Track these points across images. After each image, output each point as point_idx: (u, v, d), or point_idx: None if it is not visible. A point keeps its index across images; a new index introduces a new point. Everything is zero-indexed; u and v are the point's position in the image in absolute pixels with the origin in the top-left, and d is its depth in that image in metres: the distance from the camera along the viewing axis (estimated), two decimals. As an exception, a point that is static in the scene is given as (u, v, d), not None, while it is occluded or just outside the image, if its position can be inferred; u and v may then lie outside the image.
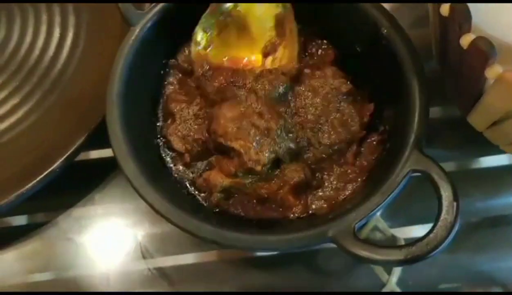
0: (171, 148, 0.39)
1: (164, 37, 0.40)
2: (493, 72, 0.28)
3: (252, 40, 0.41)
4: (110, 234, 0.43)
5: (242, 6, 0.40)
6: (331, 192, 0.37)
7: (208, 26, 0.40)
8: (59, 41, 0.48)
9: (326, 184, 0.38)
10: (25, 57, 0.47)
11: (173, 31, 0.40)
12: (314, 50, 0.42)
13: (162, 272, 0.41)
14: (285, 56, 0.40)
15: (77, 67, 0.46)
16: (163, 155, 0.39)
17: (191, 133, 0.39)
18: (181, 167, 0.39)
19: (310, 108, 0.38)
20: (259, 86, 0.37)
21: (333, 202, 0.37)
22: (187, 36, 0.40)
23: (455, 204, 0.30)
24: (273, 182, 0.37)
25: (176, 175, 0.39)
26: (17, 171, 0.41)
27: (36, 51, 0.47)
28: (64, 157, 0.40)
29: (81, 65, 0.46)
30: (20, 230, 0.43)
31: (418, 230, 0.40)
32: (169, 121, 0.40)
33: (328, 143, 0.37)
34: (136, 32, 0.38)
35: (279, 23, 0.40)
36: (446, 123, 0.45)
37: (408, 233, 0.41)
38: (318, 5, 0.41)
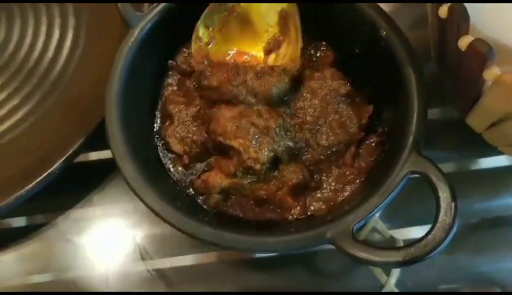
0: (169, 150, 0.39)
1: (163, 39, 0.40)
2: (491, 74, 0.28)
3: (255, 34, 0.41)
4: (109, 235, 0.43)
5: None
6: (330, 193, 0.37)
7: (210, 22, 0.40)
8: (59, 43, 0.48)
9: (325, 185, 0.38)
10: (24, 59, 0.47)
11: (172, 33, 0.40)
12: (313, 51, 0.42)
13: (161, 274, 0.41)
14: (288, 54, 0.40)
15: (76, 68, 0.46)
16: (162, 157, 0.39)
17: (190, 135, 0.39)
18: (180, 169, 0.39)
19: (309, 109, 0.38)
20: (259, 84, 0.37)
21: (332, 203, 0.37)
22: (186, 38, 0.40)
23: (453, 205, 0.30)
24: (272, 183, 0.37)
25: (175, 177, 0.39)
26: (17, 172, 0.41)
27: (36, 53, 0.48)
28: (63, 158, 0.40)
29: (81, 67, 0.46)
30: (19, 232, 0.43)
31: (417, 231, 0.40)
32: (167, 123, 0.40)
33: (326, 144, 0.38)
34: (135, 33, 0.38)
35: (283, 20, 0.40)
36: (445, 125, 0.45)
37: (407, 234, 0.41)
38: (317, 6, 0.41)
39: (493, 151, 0.38)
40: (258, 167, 0.36)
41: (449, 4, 0.29)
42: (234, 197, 0.37)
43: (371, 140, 0.38)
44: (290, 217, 0.36)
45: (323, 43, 0.42)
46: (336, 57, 0.41)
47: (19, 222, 0.43)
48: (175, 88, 0.41)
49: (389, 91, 0.37)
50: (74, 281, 0.41)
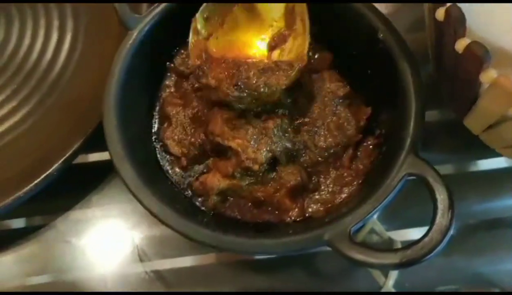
0: (167, 151, 0.39)
1: (161, 41, 0.40)
2: (487, 76, 0.28)
3: (260, 28, 0.39)
4: (107, 237, 0.43)
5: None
6: (328, 195, 0.37)
7: (210, 14, 0.39)
8: (57, 45, 0.48)
9: (323, 187, 0.38)
10: (23, 60, 0.47)
11: (170, 35, 0.40)
12: (311, 53, 0.41)
13: (159, 275, 0.41)
14: (294, 49, 0.38)
15: (75, 70, 0.46)
16: (160, 158, 0.40)
17: (188, 137, 0.39)
18: (178, 170, 0.39)
19: (307, 111, 0.38)
20: (262, 81, 0.36)
21: (330, 205, 0.37)
22: (184, 40, 0.40)
23: (450, 207, 0.30)
24: (270, 185, 0.37)
25: (173, 178, 0.39)
26: (15, 174, 0.41)
27: (34, 54, 0.48)
28: (62, 159, 0.40)
29: (79, 69, 0.47)
30: (18, 233, 0.43)
31: (415, 233, 0.40)
32: (165, 125, 0.40)
33: (324, 146, 0.38)
34: (134, 36, 0.38)
35: (289, 13, 0.39)
36: (443, 127, 0.45)
37: (405, 236, 0.41)
38: (316, 8, 0.40)
39: (491, 153, 0.38)
40: (256, 167, 0.36)
41: (446, 7, 0.29)
42: (232, 198, 0.37)
43: (369, 142, 0.38)
44: (288, 219, 0.37)
45: (321, 45, 0.41)
46: (334, 59, 0.41)
47: (17, 223, 0.44)
48: (172, 90, 0.41)
49: (386, 93, 0.37)
50: (72, 283, 0.41)
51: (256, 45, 0.39)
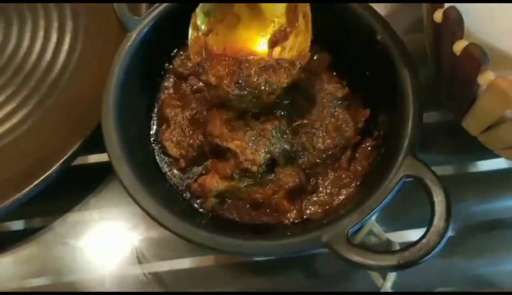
0: (166, 153, 0.39)
1: (160, 43, 0.40)
2: (485, 78, 0.28)
3: (262, 24, 0.39)
4: (106, 239, 0.43)
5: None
6: (326, 197, 0.37)
7: (210, 9, 0.38)
8: (57, 46, 0.48)
9: (321, 189, 0.38)
10: (22, 62, 0.48)
11: (169, 36, 0.40)
12: (309, 55, 0.41)
13: (157, 277, 0.41)
14: (295, 46, 0.38)
15: (74, 71, 0.47)
16: (159, 160, 0.40)
17: (186, 139, 0.39)
18: (176, 172, 0.39)
19: (305, 112, 0.38)
20: (264, 79, 0.35)
21: (328, 207, 0.37)
22: (183, 41, 0.40)
23: (447, 209, 0.30)
24: (268, 186, 0.37)
25: (171, 180, 0.39)
26: (14, 175, 0.41)
27: (34, 56, 0.48)
28: (61, 161, 0.40)
29: (78, 70, 0.47)
30: (16, 235, 0.43)
31: (414, 234, 0.40)
32: (164, 126, 0.40)
33: (322, 148, 0.38)
34: (133, 37, 0.38)
35: (291, 10, 0.38)
36: (442, 128, 0.45)
37: (404, 237, 0.41)
38: (314, 9, 0.40)
39: (490, 154, 0.38)
40: (254, 168, 0.36)
41: (443, 9, 0.29)
42: (230, 200, 0.37)
43: (367, 144, 0.38)
44: (286, 220, 0.37)
45: (320, 46, 0.41)
46: (332, 61, 0.41)
47: (16, 225, 0.44)
48: (171, 91, 0.41)
49: (385, 95, 0.37)
50: (71, 284, 0.41)
51: (257, 41, 0.39)
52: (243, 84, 0.35)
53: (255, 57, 0.37)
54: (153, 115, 0.41)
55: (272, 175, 0.37)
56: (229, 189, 0.37)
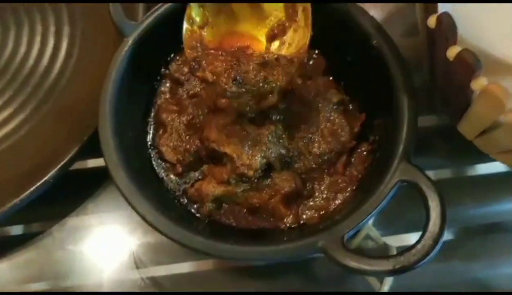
0: (163, 158, 0.39)
1: (156, 48, 0.40)
2: (478, 84, 0.29)
3: (260, 16, 0.37)
4: (104, 244, 0.43)
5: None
6: (322, 201, 0.37)
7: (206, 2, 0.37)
8: (53, 51, 0.48)
9: (317, 193, 0.38)
10: (19, 67, 0.48)
11: (166, 42, 0.40)
12: (305, 60, 0.42)
13: (155, 281, 0.41)
14: (295, 42, 0.37)
15: (71, 76, 0.47)
16: (155, 165, 0.40)
17: (183, 144, 0.39)
18: (173, 177, 0.39)
19: (301, 117, 0.38)
20: (263, 76, 0.35)
21: (324, 211, 0.37)
22: (179, 47, 0.40)
23: (442, 214, 0.30)
24: (265, 191, 0.37)
25: (168, 185, 0.39)
26: (11, 181, 0.41)
27: (31, 61, 0.48)
28: (58, 167, 0.40)
29: (75, 75, 0.47)
30: (15, 240, 0.43)
31: (411, 238, 0.40)
32: (160, 132, 0.40)
33: (318, 153, 0.38)
34: (129, 43, 0.39)
35: (291, 4, 0.37)
36: (439, 132, 0.45)
37: (401, 241, 0.41)
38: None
39: (488, 157, 0.38)
40: (251, 173, 0.36)
41: (437, 15, 0.29)
42: (227, 205, 0.38)
43: (363, 148, 0.39)
44: (283, 225, 0.37)
45: (316, 51, 0.42)
46: (328, 66, 0.41)
47: (15, 230, 0.44)
48: (168, 96, 0.42)
49: (380, 99, 0.37)
50: (69, 289, 0.41)
51: (254, 35, 0.38)
52: (240, 81, 0.35)
53: (253, 53, 0.37)
54: (150, 120, 0.41)
55: (269, 180, 0.37)
56: (225, 194, 0.37)
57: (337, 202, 0.37)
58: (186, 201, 0.38)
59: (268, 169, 0.37)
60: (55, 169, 0.40)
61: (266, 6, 0.38)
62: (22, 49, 0.48)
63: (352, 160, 0.39)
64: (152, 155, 0.40)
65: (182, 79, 0.41)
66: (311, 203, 0.37)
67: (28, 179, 0.40)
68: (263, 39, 0.38)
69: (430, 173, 0.41)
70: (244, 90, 0.35)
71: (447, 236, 0.41)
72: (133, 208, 0.33)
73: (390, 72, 0.36)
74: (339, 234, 0.31)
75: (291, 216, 0.37)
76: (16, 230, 0.44)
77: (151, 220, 0.33)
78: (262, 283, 0.41)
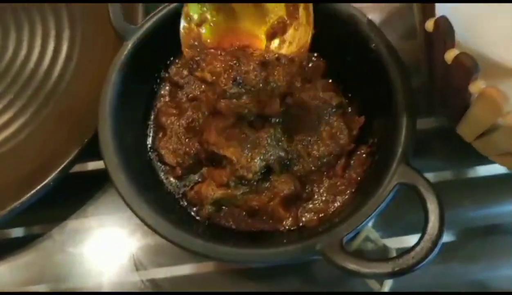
0: (163, 161, 0.39)
1: (156, 51, 0.41)
2: (476, 87, 0.29)
3: (260, 9, 0.37)
4: (104, 246, 0.43)
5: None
6: (321, 204, 0.37)
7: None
8: (54, 54, 0.48)
9: (316, 196, 0.38)
10: (20, 70, 0.48)
11: (165, 45, 0.41)
12: (305, 62, 0.41)
13: (155, 284, 0.41)
14: (295, 40, 0.37)
15: (71, 79, 0.47)
16: (155, 168, 0.40)
17: (182, 146, 0.39)
18: (173, 180, 0.39)
19: (300, 120, 0.38)
20: (263, 77, 0.34)
21: (323, 214, 0.37)
22: (179, 50, 0.40)
23: (440, 216, 0.30)
24: (264, 194, 0.37)
25: (168, 188, 0.39)
26: (12, 185, 0.41)
27: (31, 64, 0.48)
28: (58, 169, 0.40)
29: (75, 78, 0.47)
30: (15, 242, 0.43)
31: (410, 240, 0.40)
32: (160, 135, 0.40)
33: (317, 155, 0.38)
34: (129, 47, 0.39)
35: (291, 2, 0.37)
36: (439, 134, 0.45)
37: (400, 243, 0.41)
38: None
39: (487, 159, 0.38)
40: (250, 175, 0.36)
41: (435, 19, 0.29)
42: (226, 208, 0.38)
43: (362, 151, 0.39)
44: (282, 228, 0.37)
45: (315, 54, 0.42)
46: (327, 68, 0.41)
47: (16, 232, 0.44)
48: (167, 99, 0.42)
49: (379, 102, 0.38)
50: (69, 292, 0.41)
51: (253, 33, 0.38)
52: (241, 81, 0.34)
53: (253, 52, 0.36)
54: (150, 123, 0.41)
55: (268, 183, 0.37)
56: (225, 197, 0.37)
57: (336, 204, 0.37)
58: (185, 203, 0.38)
59: (267, 171, 0.37)
60: (55, 172, 0.40)
61: (267, 3, 0.37)
62: (23, 52, 0.49)
63: (351, 162, 0.38)
64: (152, 158, 0.40)
65: (182, 83, 0.41)
66: (310, 206, 0.37)
67: (28, 182, 0.40)
68: (263, 37, 0.38)
69: (430, 175, 0.42)
70: (244, 91, 0.35)
71: (447, 237, 0.41)
72: (133, 210, 0.34)
73: (388, 76, 0.36)
74: (338, 236, 0.31)
75: (290, 219, 0.37)
76: (17, 232, 0.44)
77: (151, 223, 0.33)
78: (262, 285, 0.41)
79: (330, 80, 0.41)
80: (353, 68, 0.40)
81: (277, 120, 0.38)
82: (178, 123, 0.40)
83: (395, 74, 0.36)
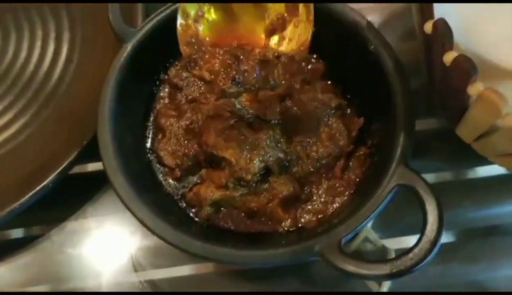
0: (162, 163, 0.39)
1: (155, 53, 0.41)
2: (475, 89, 0.29)
3: (258, 5, 0.36)
4: (103, 247, 0.43)
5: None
6: (320, 205, 0.37)
7: None
8: (54, 56, 0.48)
9: (315, 197, 0.38)
10: (20, 72, 0.48)
11: (164, 47, 0.41)
12: (304, 64, 0.41)
13: (153, 285, 0.41)
14: (295, 37, 0.36)
15: (71, 81, 0.47)
16: (154, 170, 0.40)
17: (181, 148, 0.39)
18: (172, 182, 0.39)
19: (299, 121, 0.38)
20: (262, 77, 0.35)
21: (322, 215, 0.37)
22: (178, 52, 0.41)
23: (439, 218, 0.30)
24: (263, 195, 0.37)
25: (167, 190, 0.39)
26: (11, 186, 0.41)
27: (31, 66, 0.48)
28: (57, 171, 0.40)
29: (75, 80, 0.47)
30: (14, 243, 0.43)
31: (409, 240, 0.40)
32: (159, 136, 0.40)
33: (316, 157, 0.38)
34: (128, 49, 0.39)
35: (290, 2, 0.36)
36: (439, 134, 0.45)
37: (399, 243, 0.41)
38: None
39: (487, 160, 0.38)
40: (249, 177, 0.36)
41: (433, 21, 0.29)
42: (225, 209, 0.38)
43: (361, 152, 0.39)
44: (281, 229, 0.37)
45: (314, 56, 0.41)
46: (327, 70, 0.41)
47: (15, 233, 0.44)
48: (167, 101, 0.42)
49: (378, 104, 0.37)
50: (68, 292, 0.41)
51: (252, 30, 0.37)
52: (240, 81, 0.35)
53: (252, 51, 0.36)
54: (149, 125, 0.41)
55: (267, 184, 0.37)
56: (224, 198, 0.37)
57: (335, 205, 0.37)
58: (184, 205, 0.38)
59: (266, 173, 0.37)
60: (55, 173, 0.40)
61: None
62: (23, 54, 0.49)
63: (350, 164, 0.38)
64: (151, 159, 0.40)
65: (181, 85, 0.41)
66: (309, 207, 0.37)
67: (27, 183, 0.40)
68: (262, 34, 0.37)
69: (430, 176, 0.42)
70: (243, 89, 0.35)
71: (446, 238, 0.41)
72: (132, 212, 0.34)
73: (387, 78, 0.36)
74: (337, 238, 0.31)
75: (289, 220, 0.37)
76: (17, 233, 0.44)
77: (150, 224, 0.33)
78: (261, 286, 0.41)
79: (330, 82, 0.41)
80: (352, 70, 0.40)
81: (276, 122, 0.38)
82: (177, 125, 0.40)
83: (394, 76, 0.36)
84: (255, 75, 0.35)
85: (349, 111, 0.40)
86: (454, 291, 0.40)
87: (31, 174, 0.41)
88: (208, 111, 0.38)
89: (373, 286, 0.40)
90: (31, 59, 0.48)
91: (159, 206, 0.35)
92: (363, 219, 0.32)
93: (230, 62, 0.35)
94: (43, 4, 0.50)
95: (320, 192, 0.38)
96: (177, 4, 0.39)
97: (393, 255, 0.39)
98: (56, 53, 0.48)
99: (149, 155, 0.40)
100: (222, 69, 0.35)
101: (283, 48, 0.36)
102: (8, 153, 0.44)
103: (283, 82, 0.35)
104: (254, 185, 0.37)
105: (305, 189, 0.38)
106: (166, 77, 0.42)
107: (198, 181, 0.39)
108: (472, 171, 0.44)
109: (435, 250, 0.30)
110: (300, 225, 0.37)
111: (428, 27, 0.30)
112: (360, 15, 0.39)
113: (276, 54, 0.36)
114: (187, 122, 0.39)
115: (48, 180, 0.40)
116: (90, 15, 0.49)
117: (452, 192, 0.43)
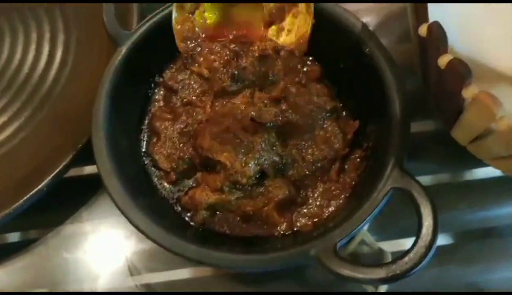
0: (157, 166, 0.39)
1: (150, 56, 0.40)
2: (469, 92, 0.29)
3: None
4: (98, 251, 0.43)
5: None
6: (315, 209, 0.37)
7: None
8: (48, 59, 0.48)
9: (311, 201, 0.38)
10: (14, 75, 0.48)
11: (159, 50, 0.41)
12: (299, 66, 0.41)
13: (149, 288, 0.41)
14: (294, 29, 0.36)
15: (66, 84, 0.47)
16: (149, 173, 0.40)
17: (177, 151, 0.39)
18: (167, 185, 0.39)
19: (294, 125, 0.38)
20: (262, 72, 0.34)
21: (317, 219, 0.37)
22: (173, 54, 0.40)
23: (434, 221, 0.30)
24: (258, 199, 0.37)
25: (162, 193, 0.39)
26: (5, 190, 0.41)
27: (26, 69, 0.48)
28: (52, 175, 0.40)
29: (70, 83, 0.47)
30: (10, 247, 0.43)
31: (405, 243, 0.40)
32: (154, 140, 0.40)
33: (311, 160, 0.38)
34: (123, 52, 0.39)
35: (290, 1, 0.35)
36: (435, 137, 0.45)
37: (396, 246, 0.41)
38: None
39: (482, 162, 0.38)
40: (244, 180, 0.36)
41: (428, 24, 0.29)
42: (221, 213, 0.38)
43: (356, 155, 0.39)
44: (277, 233, 0.37)
45: (310, 58, 0.41)
46: (322, 72, 0.41)
47: (11, 237, 0.44)
48: (162, 104, 0.42)
49: (373, 106, 0.37)
50: (68, 292, 0.41)
51: (250, 21, 0.36)
52: (239, 77, 0.34)
53: (251, 45, 0.36)
54: (144, 128, 0.41)
55: (262, 187, 0.37)
56: (219, 202, 0.37)
57: (331, 209, 0.37)
58: (179, 209, 0.38)
59: (261, 176, 0.37)
60: (49, 177, 0.40)
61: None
62: (17, 57, 0.49)
63: (346, 166, 0.38)
64: (146, 163, 0.40)
65: (176, 87, 0.41)
66: (305, 210, 0.37)
67: (22, 187, 0.40)
68: (260, 25, 0.37)
69: (426, 178, 0.42)
70: (242, 86, 0.35)
71: (444, 240, 0.41)
72: (126, 216, 0.33)
73: (383, 80, 0.36)
74: (332, 242, 0.31)
75: (284, 224, 0.37)
76: (13, 237, 0.44)
77: (144, 228, 0.33)
78: (259, 288, 0.41)
79: (325, 85, 0.41)
80: (347, 72, 0.40)
81: (271, 125, 0.38)
82: (172, 128, 0.40)
83: (390, 79, 0.36)
84: (253, 71, 0.34)
85: (344, 114, 0.40)
86: (453, 292, 0.40)
87: (26, 177, 0.41)
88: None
89: (369, 287, 0.40)
90: (25, 62, 0.48)
91: (154, 210, 0.35)
92: (359, 223, 0.32)
93: (228, 58, 0.35)
94: (37, 6, 0.50)
95: (315, 195, 0.38)
96: (172, 4, 0.39)
97: (389, 258, 0.39)
98: (51, 55, 0.48)
99: (144, 158, 0.40)
100: (221, 67, 0.35)
101: (282, 39, 0.36)
102: (2, 156, 0.44)
103: (283, 77, 0.35)
104: (249, 188, 0.37)
105: (301, 192, 0.38)
106: (161, 79, 0.42)
107: (194, 185, 0.39)
108: (469, 173, 0.44)
109: (430, 254, 0.30)
110: (295, 229, 0.37)
111: (422, 30, 0.30)
112: (356, 17, 0.39)
113: (275, 48, 0.36)
114: (182, 126, 0.39)
115: (43, 183, 0.40)
116: (85, 17, 0.49)
117: (449, 194, 0.43)
